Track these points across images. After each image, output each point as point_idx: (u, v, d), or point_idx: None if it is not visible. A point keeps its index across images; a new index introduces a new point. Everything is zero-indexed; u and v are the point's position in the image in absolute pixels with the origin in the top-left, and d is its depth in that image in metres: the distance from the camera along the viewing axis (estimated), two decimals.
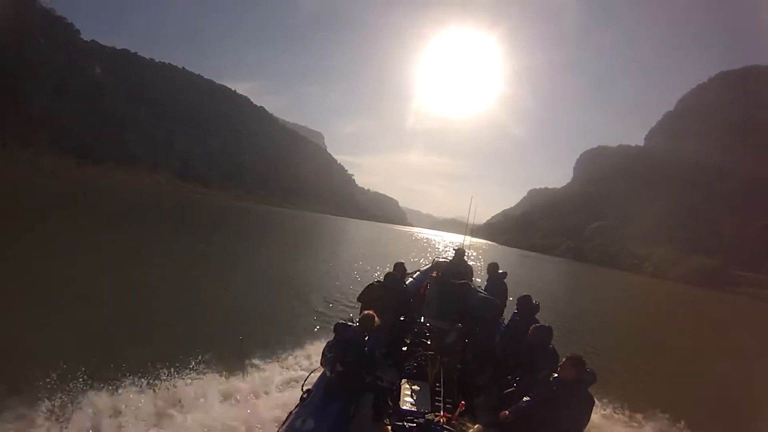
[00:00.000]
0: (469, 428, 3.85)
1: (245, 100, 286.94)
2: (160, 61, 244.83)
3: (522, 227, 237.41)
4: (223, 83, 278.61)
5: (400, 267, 7.33)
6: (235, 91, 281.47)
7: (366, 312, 4.78)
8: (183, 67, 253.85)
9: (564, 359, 4.02)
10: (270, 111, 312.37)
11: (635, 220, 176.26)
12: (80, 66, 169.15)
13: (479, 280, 9.51)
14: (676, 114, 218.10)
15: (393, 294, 6.35)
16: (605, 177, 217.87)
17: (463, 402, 4.22)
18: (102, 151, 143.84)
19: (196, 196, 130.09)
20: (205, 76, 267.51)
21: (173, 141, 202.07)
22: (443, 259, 9.72)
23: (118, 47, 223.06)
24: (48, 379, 5.27)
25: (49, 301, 8.73)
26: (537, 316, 5.94)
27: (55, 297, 9.07)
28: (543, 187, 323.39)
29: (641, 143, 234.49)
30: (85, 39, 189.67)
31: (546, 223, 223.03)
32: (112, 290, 10.35)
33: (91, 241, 17.18)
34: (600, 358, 11.80)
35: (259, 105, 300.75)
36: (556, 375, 4.02)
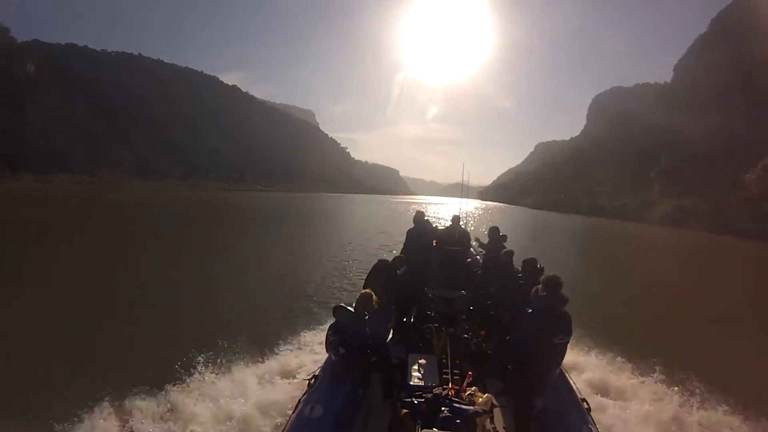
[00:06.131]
0: (478, 398, 3.70)
1: (215, 81, 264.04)
2: (113, 51, 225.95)
3: (553, 184, 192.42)
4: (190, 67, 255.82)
5: (420, 214, 7.57)
6: (201, 72, 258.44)
7: (363, 291, 4.77)
8: (139, 54, 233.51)
9: None
10: (244, 89, 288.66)
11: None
12: (3, 66, 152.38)
13: (477, 246, 9.27)
14: (711, 35, 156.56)
15: (396, 273, 6.12)
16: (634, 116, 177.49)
17: (470, 372, 4.19)
18: (21, 157, 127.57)
19: (149, 192, 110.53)
20: (166, 61, 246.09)
21: (127, 136, 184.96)
22: (441, 227, 9.67)
23: (63, 42, 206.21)
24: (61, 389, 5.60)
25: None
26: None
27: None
28: (551, 140, 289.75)
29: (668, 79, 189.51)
30: (20, 39, 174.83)
31: (597, 176, 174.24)
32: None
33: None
34: None
35: (231, 84, 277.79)
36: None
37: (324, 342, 4.61)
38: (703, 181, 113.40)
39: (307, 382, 4.42)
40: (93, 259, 15.95)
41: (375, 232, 29.97)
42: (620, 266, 25.76)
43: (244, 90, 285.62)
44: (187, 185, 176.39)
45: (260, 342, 7.60)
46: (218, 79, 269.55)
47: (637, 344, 8.56)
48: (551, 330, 3.87)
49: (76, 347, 7.42)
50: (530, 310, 4.12)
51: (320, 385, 4.23)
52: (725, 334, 11.76)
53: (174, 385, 5.84)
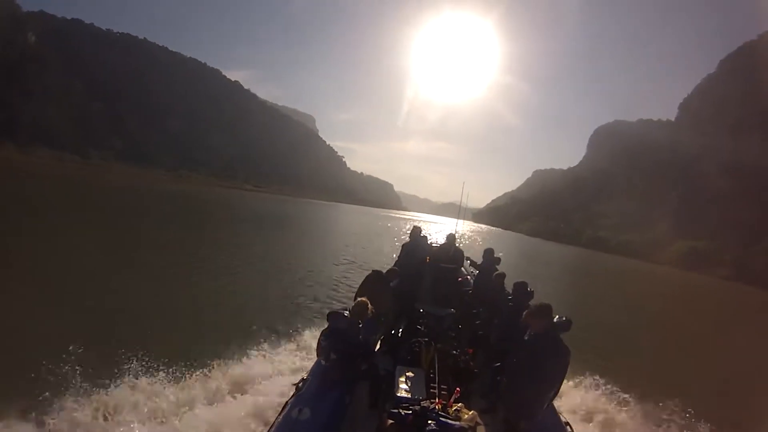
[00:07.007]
0: (464, 414, 3.73)
1: (217, 75, 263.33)
2: (119, 32, 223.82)
3: (551, 212, 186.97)
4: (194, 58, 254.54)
5: (417, 230, 8.31)
6: (205, 64, 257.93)
7: (359, 299, 4.76)
8: (144, 38, 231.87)
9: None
10: (247, 86, 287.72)
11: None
12: (6, 34, 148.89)
13: (469, 265, 9.23)
14: (721, 75, 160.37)
15: (388, 285, 6.19)
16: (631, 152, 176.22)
17: (458, 388, 4.27)
18: (6, 126, 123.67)
19: (133, 180, 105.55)
20: (171, 48, 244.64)
21: (120, 119, 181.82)
22: (435, 244, 9.60)
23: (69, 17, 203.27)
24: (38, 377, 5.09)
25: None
26: (531, 303, 5.58)
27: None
28: (549, 167, 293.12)
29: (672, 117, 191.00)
30: (26, 9, 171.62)
31: (599, 208, 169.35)
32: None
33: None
34: None
35: (234, 80, 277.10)
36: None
37: (316, 346, 4.67)
38: (722, 223, 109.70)
39: (294, 385, 4.39)
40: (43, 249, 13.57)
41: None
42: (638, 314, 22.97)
43: (246, 87, 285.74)
44: (175, 176, 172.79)
45: (247, 343, 7.35)
46: (221, 72, 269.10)
47: (624, 373, 8.50)
48: (548, 354, 3.84)
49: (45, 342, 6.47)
50: (526, 337, 4.10)
51: (308, 389, 4.21)
52: (720, 371, 11.82)
53: (157, 382, 5.59)
